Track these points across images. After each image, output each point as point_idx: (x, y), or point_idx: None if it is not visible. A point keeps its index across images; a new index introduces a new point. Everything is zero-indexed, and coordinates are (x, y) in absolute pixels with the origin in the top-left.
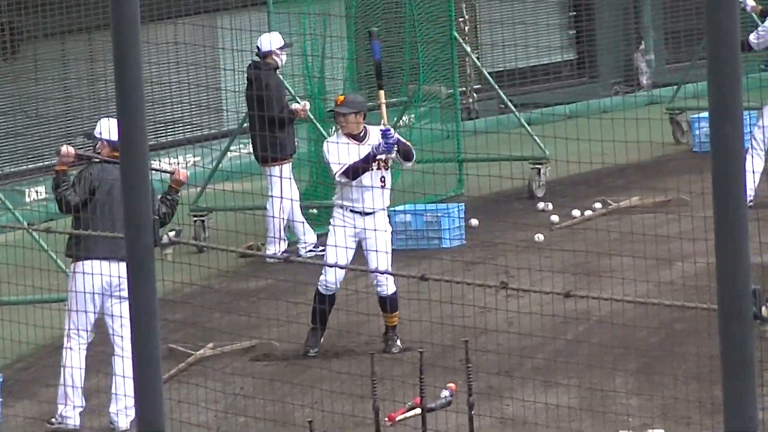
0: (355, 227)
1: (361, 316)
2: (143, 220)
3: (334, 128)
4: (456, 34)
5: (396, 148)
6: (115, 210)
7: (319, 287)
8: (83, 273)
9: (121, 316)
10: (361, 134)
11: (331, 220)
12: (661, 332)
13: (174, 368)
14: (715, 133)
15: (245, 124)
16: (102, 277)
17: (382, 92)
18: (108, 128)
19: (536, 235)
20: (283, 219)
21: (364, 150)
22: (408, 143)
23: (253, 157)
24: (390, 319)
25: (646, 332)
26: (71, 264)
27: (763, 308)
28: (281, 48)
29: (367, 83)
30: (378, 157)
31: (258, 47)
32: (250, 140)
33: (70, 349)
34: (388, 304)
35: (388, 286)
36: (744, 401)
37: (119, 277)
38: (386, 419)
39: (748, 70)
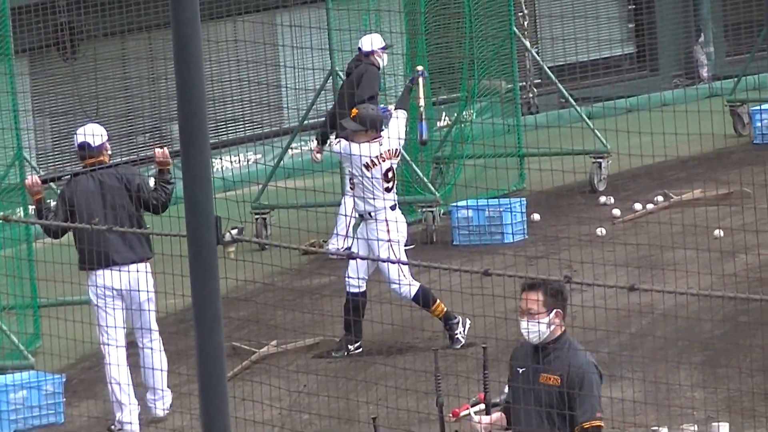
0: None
1: (424, 312)
2: (206, 218)
3: None
4: (515, 28)
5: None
6: (105, 218)
7: (347, 287)
8: (101, 281)
9: (141, 312)
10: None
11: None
12: (725, 325)
13: (238, 366)
14: None
15: (306, 122)
16: (120, 281)
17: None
18: (83, 132)
19: (598, 229)
20: (354, 217)
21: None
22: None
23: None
24: (436, 312)
25: (710, 325)
26: (87, 275)
27: None
28: (382, 48)
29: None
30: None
31: (360, 48)
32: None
33: (108, 346)
34: (420, 301)
35: (401, 287)
36: None
37: (132, 278)
38: (450, 415)
39: None
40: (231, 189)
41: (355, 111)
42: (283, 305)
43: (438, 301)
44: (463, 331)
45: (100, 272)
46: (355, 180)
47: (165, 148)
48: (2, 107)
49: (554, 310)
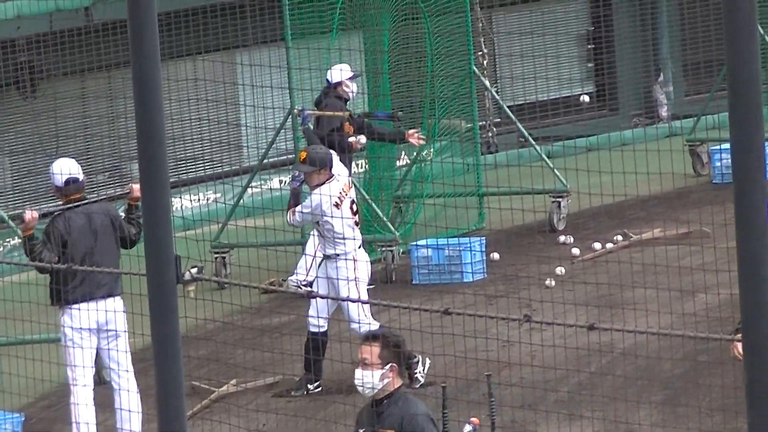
0: (324, 269)
1: None
2: (165, 257)
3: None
4: (475, 67)
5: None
6: (93, 252)
7: (309, 327)
8: (77, 315)
9: (118, 351)
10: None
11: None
12: (685, 364)
13: (197, 405)
14: (737, 165)
15: (265, 161)
16: (97, 316)
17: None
18: (60, 171)
19: (558, 268)
20: (318, 257)
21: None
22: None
23: (272, 193)
24: None
25: (670, 364)
26: (59, 310)
27: None
28: (351, 78)
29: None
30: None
31: (327, 80)
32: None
33: (76, 386)
34: None
35: (361, 325)
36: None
37: (113, 312)
38: None
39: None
40: (191, 228)
41: (303, 154)
42: (242, 344)
43: None
44: (423, 370)
45: (76, 306)
46: (323, 225)
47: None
48: None
49: (389, 364)
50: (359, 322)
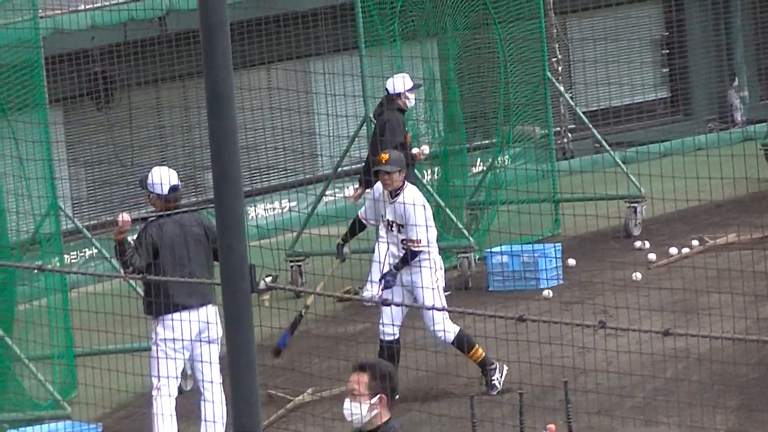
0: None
1: (458, 359)
2: (240, 266)
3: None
4: (549, 73)
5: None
6: (185, 262)
7: (380, 336)
8: (170, 326)
9: (210, 362)
10: (396, 191)
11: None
12: (761, 368)
13: (273, 415)
14: None
15: (340, 168)
16: (191, 326)
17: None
18: (160, 179)
19: (634, 274)
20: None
21: (390, 208)
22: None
23: (346, 201)
24: (473, 356)
25: (745, 369)
26: (153, 320)
27: None
28: (410, 89)
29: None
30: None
31: (387, 90)
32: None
33: (161, 396)
34: (460, 346)
35: (446, 332)
36: None
37: (206, 323)
38: None
39: None
40: (266, 237)
41: (385, 156)
42: (318, 352)
43: (476, 345)
44: (500, 377)
45: (169, 317)
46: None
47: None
48: (36, 157)
49: (378, 395)
50: (442, 330)
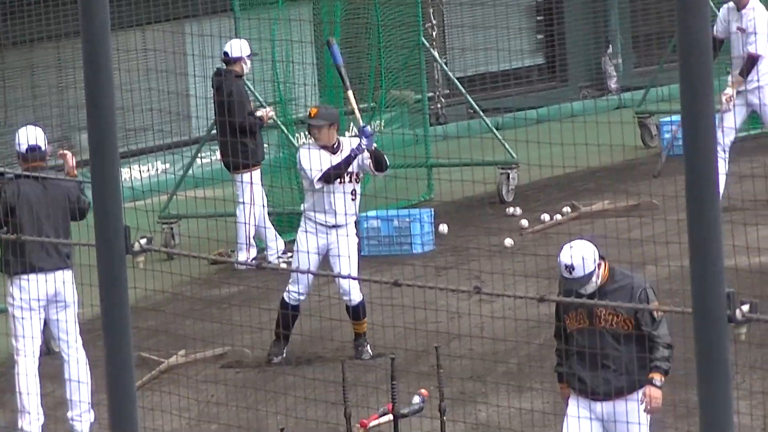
0: (324, 238)
1: (332, 323)
2: (115, 227)
3: (303, 136)
4: (424, 39)
5: (373, 147)
6: (41, 224)
7: (285, 296)
8: (25, 287)
9: (66, 321)
10: (335, 145)
11: (300, 229)
12: None
13: (146, 376)
14: (687, 136)
15: (213, 131)
16: (46, 287)
17: (350, 93)
18: (19, 138)
19: (506, 240)
20: (253, 226)
21: (337, 159)
22: (381, 151)
23: (222, 164)
24: (359, 327)
25: None
26: (8, 279)
27: (737, 311)
28: (249, 56)
29: (336, 90)
30: (358, 155)
31: (226, 53)
32: (218, 148)
33: (24, 357)
34: (357, 312)
35: (357, 294)
36: (719, 405)
37: (57, 285)
38: (358, 425)
39: (719, 73)
40: (140, 198)
41: (315, 109)
42: (191, 315)
43: (365, 319)
44: (370, 349)
45: (25, 277)
46: (327, 189)
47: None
48: None
49: None
50: (353, 294)
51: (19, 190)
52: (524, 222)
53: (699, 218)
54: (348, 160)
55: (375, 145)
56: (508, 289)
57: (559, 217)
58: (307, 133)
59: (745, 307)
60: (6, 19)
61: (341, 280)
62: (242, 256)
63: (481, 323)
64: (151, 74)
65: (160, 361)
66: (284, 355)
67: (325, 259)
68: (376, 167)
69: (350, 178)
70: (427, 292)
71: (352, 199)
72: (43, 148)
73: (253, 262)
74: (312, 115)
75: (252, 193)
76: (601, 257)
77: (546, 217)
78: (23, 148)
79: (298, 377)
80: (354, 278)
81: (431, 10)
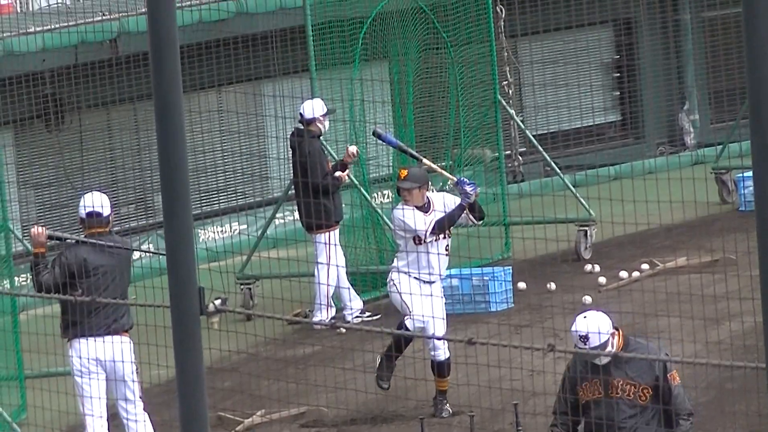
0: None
1: (410, 381)
2: (188, 288)
3: (380, 195)
4: (500, 97)
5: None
6: (99, 290)
7: (406, 321)
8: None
9: (124, 381)
10: (425, 206)
11: (396, 285)
12: (711, 391)
13: None
14: (759, 191)
15: (291, 191)
16: (102, 351)
17: (424, 161)
18: (83, 202)
19: (584, 297)
20: (330, 286)
21: (430, 218)
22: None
23: (300, 224)
24: (441, 384)
25: (696, 392)
26: (67, 342)
27: None
28: (324, 114)
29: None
30: (467, 203)
31: (301, 114)
32: (296, 208)
33: (92, 417)
34: (443, 368)
35: (444, 351)
36: None
37: (113, 349)
38: None
39: None
40: (216, 259)
41: (404, 171)
42: (268, 375)
43: (448, 378)
44: (449, 408)
45: (83, 341)
46: (423, 248)
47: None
48: None
49: None
50: (443, 350)
51: (76, 255)
52: (602, 279)
53: None
54: (461, 209)
55: (478, 189)
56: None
57: (637, 274)
58: (396, 193)
59: None
60: (83, 81)
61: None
62: (319, 316)
63: (557, 381)
64: (227, 135)
65: (239, 422)
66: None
67: None
68: (476, 216)
69: (444, 234)
70: (504, 350)
71: (447, 255)
72: (102, 213)
73: (329, 321)
74: (402, 177)
75: (329, 253)
76: (615, 327)
77: (624, 274)
78: (83, 212)
79: None
80: (428, 337)
81: (507, 69)
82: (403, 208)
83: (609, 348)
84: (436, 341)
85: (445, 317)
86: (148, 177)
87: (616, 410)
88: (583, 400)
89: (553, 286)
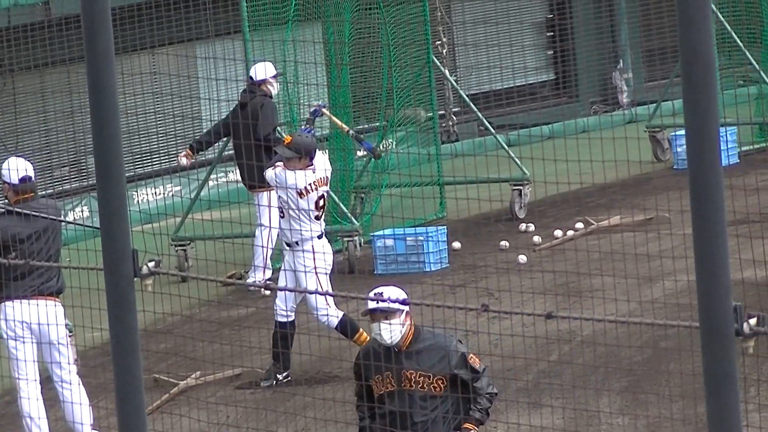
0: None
1: (345, 342)
2: (122, 251)
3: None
4: (433, 57)
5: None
6: (34, 256)
7: (277, 317)
8: (5, 313)
9: (55, 345)
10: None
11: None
12: (645, 351)
13: (159, 399)
14: (692, 150)
15: (225, 152)
16: (28, 314)
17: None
18: (9, 170)
19: (519, 256)
20: (270, 248)
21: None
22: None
23: (237, 184)
24: (358, 341)
25: (630, 351)
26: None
27: (745, 325)
28: (274, 76)
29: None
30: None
31: (251, 77)
32: (237, 167)
33: (25, 381)
34: (345, 329)
35: (329, 316)
36: (728, 418)
37: (41, 313)
38: None
39: (725, 86)
40: (150, 222)
41: (289, 138)
42: (204, 337)
43: (360, 330)
44: None
45: (8, 303)
46: (285, 208)
47: None
48: None
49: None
50: (325, 313)
51: (8, 223)
52: (537, 238)
53: (705, 232)
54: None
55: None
56: (519, 306)
57: (571, 233)
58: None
59: (753, 321)
60: (17, 44)
61: (310, 304)
62: (255, 277)
63: (493, 341)
64: (160, 97)
65: (174, 383)
66: (280, 378)
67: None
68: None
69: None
70: (437, 310)
71: (320, 207)
72: (33, 178)
73: (264, 283)
74: (286, 143)
75: (270, 214)
76: (408, 314)
77: (559, 233)
78: (15, 177)
79: (312, 397)
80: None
81: (440, 29)
82: (283, 171)
83: (397, 322)
84: (314, 303)
85: (317, 279)
86: (81, 140)
87: (409, 403)
88: (377, 393)
89: (506, 244)
